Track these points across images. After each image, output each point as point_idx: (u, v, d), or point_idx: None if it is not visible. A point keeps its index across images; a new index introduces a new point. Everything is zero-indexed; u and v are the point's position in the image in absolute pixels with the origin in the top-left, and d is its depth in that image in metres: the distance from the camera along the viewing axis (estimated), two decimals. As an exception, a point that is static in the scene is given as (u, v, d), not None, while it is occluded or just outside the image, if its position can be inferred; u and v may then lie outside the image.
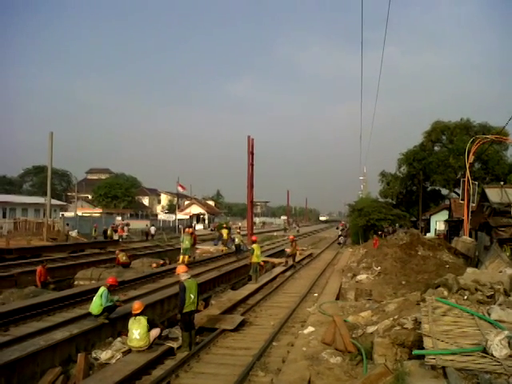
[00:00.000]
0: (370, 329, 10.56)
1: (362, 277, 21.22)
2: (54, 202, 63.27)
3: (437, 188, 60.57)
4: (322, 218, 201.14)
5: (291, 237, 32.47)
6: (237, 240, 33.16)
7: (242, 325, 13.25)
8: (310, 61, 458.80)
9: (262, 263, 23.72)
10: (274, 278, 22.67)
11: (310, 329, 11.97)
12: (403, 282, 18.87)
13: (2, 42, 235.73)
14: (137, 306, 11.08)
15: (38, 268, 20.21)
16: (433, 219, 52.85)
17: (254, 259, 21.28)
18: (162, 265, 26.81)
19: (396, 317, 10.36)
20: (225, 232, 38.41)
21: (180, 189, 73.95)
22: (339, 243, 48.92)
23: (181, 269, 11.78)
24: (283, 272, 24.63)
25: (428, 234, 46.92)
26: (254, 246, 21.98)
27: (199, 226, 77.49)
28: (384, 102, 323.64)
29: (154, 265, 26.63)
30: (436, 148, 57.05)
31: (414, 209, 58.92)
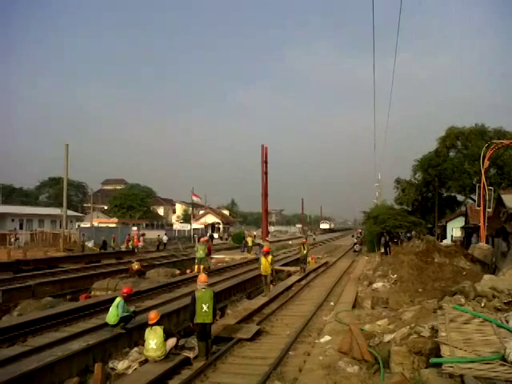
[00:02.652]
0: (387, 337, 10.49)
1: (378, 285, 21.07)
2: (70, 213, 63.79)
3: (452, 194, 60.09)
4: (323, 226, 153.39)
5: (304, 240, 33.22)
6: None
7: (257, 334, 13.24)
8: (322, 68, 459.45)
9: (273, 275, 21.42)
10: (290, 287, 22.60)
11: (327, 338, 11.92)
12: (420, 290, 18.70)
13: (18, 57, 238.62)
14: (153, 315, 11.11)
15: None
16: (449, 226, 52.48)
17: (262, 271, 19.87)
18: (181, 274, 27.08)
19: (413, 325, 10.28)
20: (249, 240, 41.30)
21: (195, 198, 74.22)
22: (355, 251, 48.65)
23: (200, 278, 11.89)
24: (299, 281, 24.56)
25: (444, 241, 46.55)
26: (261, 257, 20.27)
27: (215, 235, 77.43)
28: (397, 108, 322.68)
29: (178, 271, 27.82)
30: (451, 154, 56.61)
31: (429, 215, 58.51)
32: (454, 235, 49.95)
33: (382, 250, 38.51)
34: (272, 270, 20.28)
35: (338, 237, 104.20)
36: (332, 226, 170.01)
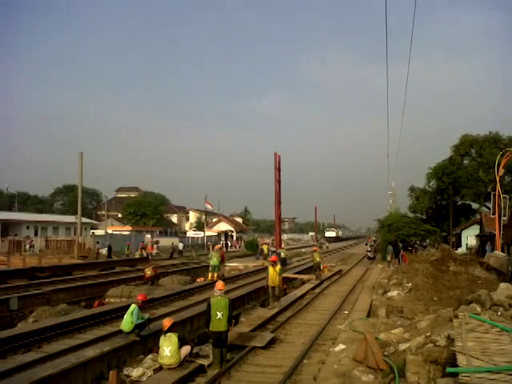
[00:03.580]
0: (402, 346, 10.42)
1: (392, 293, 20.94)
2: (85, 220, 64.18)
3: (467, 202, 59.66)
4: (328, 235, 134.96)
5: (315, 248, 33.61)
6: (282, 254, 35.28)
7: (272, 342, 13.20)
8: (335, 77, 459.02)
9: (281, 286, 19.96)
10: (304, 295, 22.54)
11: (341, 346, 11.87)
12: (435, 299, 18.57)
13: (32, 66, 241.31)
14: (166, 322, 11.13)
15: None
16: (464, 234, 52.09)
17: (269, 282, 18.46)
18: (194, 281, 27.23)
19: (428, 334, 10.21)
20: (265, 247, 41.59)
21: (208, 206, 74.38)
22: (369, 258, 48.36)
23: (217, 285, 11.89)
24: (313, 289, 24.50)
25: (459, 249, 46.22)
26: (269, 266, 18.91)
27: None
28: (411, 116, 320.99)
29: (202, 278, 28.17)
30: (465, 162, 56.22)
31: (444, 224, 58.11)
32: (468, 243, 49.56)
33: (389, 259, 38.42)
34: (280, 281, 19.00)
35: (351, 245, 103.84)
36: (340, 233, 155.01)
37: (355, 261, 47.70)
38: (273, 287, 18.45)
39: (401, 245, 40.46)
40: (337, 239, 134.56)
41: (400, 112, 57.83)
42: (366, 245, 64.15)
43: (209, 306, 11.24)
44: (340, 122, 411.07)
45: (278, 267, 18.69)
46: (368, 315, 17.31)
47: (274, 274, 18.30)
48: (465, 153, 55.63)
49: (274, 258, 19.86)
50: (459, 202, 59.55)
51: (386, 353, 10.43)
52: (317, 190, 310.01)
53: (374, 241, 72.51)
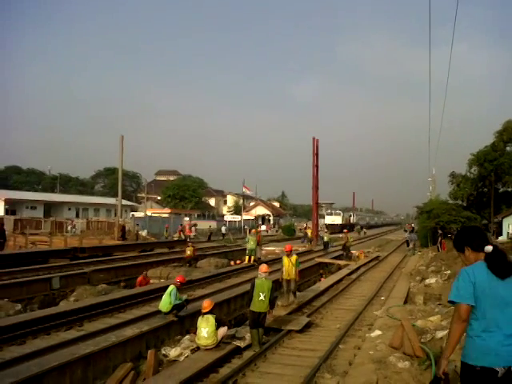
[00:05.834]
0: (440, 334, 10.33)
1: (431, 281, 20.72)
2: (125, 202, 65.27)
3: (509, 190, 58.21)
4: (329, 221, 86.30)
5: (346, 231, 35.75)
6: (325, 238, 36.45)
7: (307, 326, 13.24)
8: (374, 60, 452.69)
9: (298, 279, 16.87)
10: (340, 280, 22.50)
11: (377, 332, 11.82)
12: (474, 287, 18.30)
13: (77, 53, 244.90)
14: (206, 304, 11.27)
15: (139, 278, 20.31)
16: (505, 222, 50.95)
17: (284, 275, 16.17)
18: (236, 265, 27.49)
19: (467, 322, 10.08)
20: (309, 231, 43.08)
21: (245, 190, 74.72)
22: (408, 245, 47.92)
23: (261, 268, 12.10)
24: (349, 274, 24.41)
25: (500, 238, 45.29)
26: (283, 257, 16.62)
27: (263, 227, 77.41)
28: (453, 101, 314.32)
29: (238, 261, 28.84)
30: (508, 148, 54.79)
31: (485, 211, 56.90)
32: (510, 232, 48.51)
33: (411, 246, 38.59)
34: (297, 273, 16.33)
35: (391, 230, 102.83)
36: (354, 219, 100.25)
37: (393, 247, 47.26)
38: (288, 281, 16.06)
39: (440, 232, 39.84)
40: (344, 227, 78.43)
41: (442, 96, 56.66)
42: (405, 231, 63.26)
43: (252, 286, 11.48)
44: (379, 107, 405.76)
45: (294, 258, 16.22)
46: (405, 302, 17.15)
47: (289, 266, 15.95)
48: (508, 139, 54.22)
49: (288, 247, 16.93)
50: (501, 190, 58.14)
51: (422, 340, 10.34)
52: (355, 176, 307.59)
53: (413, 228, 71.62)
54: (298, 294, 16.76)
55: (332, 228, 76.25)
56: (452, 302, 3.71)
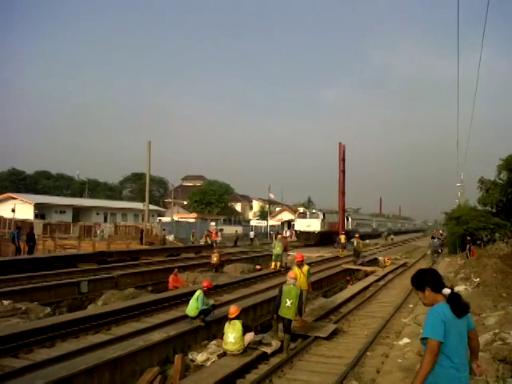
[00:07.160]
0: (469, 342, 10.16)
1: (459, 288, 20.40)
2: (152, 207, 65.73)
3: (540, 196, 57.08)
4: (300, 226, 59.28)
5: (356, 235, 35.19)
6: (355, 243, 35.52)
7: (334, 333, 13.17)
8: (402, 64, 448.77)
9: (310, 291, 15.86)
10: (367, 287, 22.32)
11: (406, 340, 11.69)
12: (504, 295, 17.96)
13: (99, 56, 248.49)
14: (233, 310, 11.28)
15: (171, 276, 20.55)
16: (536, 229, 49.96)
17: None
18: (259, 270, 27.36)
19: (497, 331, 9.91)
20: (342, 237, 42.67)
21: (271, 196, 74.71)
22: (437, 252, 47.29)
23: (290, 274, 12.26)
24: (376, 281, 24.20)
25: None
26: (294, 267, 14.97)
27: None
28: (482, 105, 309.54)
29: (258, 267, 28.65)
30: (539, 153, 53.72)
31: (515, 218, 55.88)
32: (540, 239, 47.49)
33: (429, 253, 38.35)
34: (309, 285, 15.02)
35: (419, 237, 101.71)
36: (350, 224, 66.32)
37: (420, 254, 46.71)
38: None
39: (469, 238, 39.27)
40: (326, 235, 57.52)
41: (470, 101, 55.97)
42: (433, 238, 62.68)
43: (280, 292, 11.52)
44: (408, 112, 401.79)
45: (306, 268, 14.88)
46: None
47: (301, 277, 14.26)
48: (539, 144, 53.25)
49: (299, 256, 15.38)
50: (532, 196, 57.05)
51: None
52: (382, 181, 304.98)
53: (441, 234, 70.70)
54: (324, 300, 16.64)
55: (306, 237, 57.27)
56: (425, 338, 4.17)
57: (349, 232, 58.53)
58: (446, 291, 4.27)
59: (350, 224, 65.34)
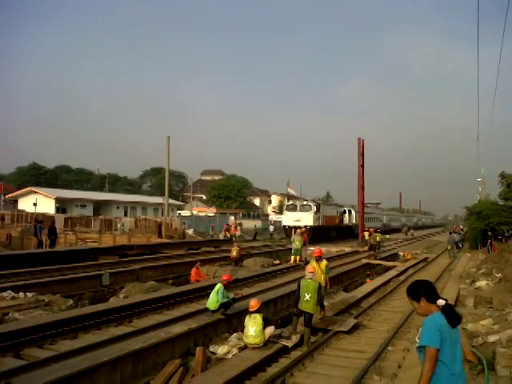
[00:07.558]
0: (492, 338, 10.12)
1: (481, 283, 20.26)
2: (171, 201, 66.07)
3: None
4: (289, 220, 49.83)
5: (371, 229, 36.47)
6: (378, 238, 36.64)
7: (355, 327, 13.13)
8: (419, 59, 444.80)
9: (329, 287, 15.80)
10: (388, 282, 22.23)
11: (427, 335, 11.62)
12: (527, 290, 17.81)
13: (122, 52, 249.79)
14: (253, 303, 11.32)
15: (193, 269, 20.55)
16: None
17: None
18: (277, 264, 27.37)
19: (520, 326, 9.84)
20: (366, 234, 41.54)
21: (290, 190, 74.64)
22: (457, 247, 46.86)
23: (308, 268, 12.20)
24: (397, 276, 24.09)
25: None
26: (312, 261, 14.82)
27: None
28: (502, 99, 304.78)
29: (277, 262, 28.62)
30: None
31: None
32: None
33: (449, 248, 38.13)
34: (327, 281, 14.82)
35: (439, 232, 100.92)
36: (353, 218, 61.10)
37: (441, 249, 46.32)
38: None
39: (490, 233, 38.88)
40: (320, 230, 51.99)
41: (491, 96, 55.29)
42: (452, 233, 62.33)
43: (298, 286, 11.53)
44: (428, 106, 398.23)
45: (324, 263, 14.72)
46: (455, 305, 16.78)
47: (318, 272, 14.05)
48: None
49: (318, 251, 15.11)
50: (554, 190, 56.20)
51: (473, 344, 10.14)
52: (402, 176, 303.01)
53: (462, 229, 70.09)
54: (345, 294, 16.60)
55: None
56: (422, 347, 4.34)
57: (352, 227, 58.81)
58: (441, 302, 4.47)
59: (353, 218, 60.68)
